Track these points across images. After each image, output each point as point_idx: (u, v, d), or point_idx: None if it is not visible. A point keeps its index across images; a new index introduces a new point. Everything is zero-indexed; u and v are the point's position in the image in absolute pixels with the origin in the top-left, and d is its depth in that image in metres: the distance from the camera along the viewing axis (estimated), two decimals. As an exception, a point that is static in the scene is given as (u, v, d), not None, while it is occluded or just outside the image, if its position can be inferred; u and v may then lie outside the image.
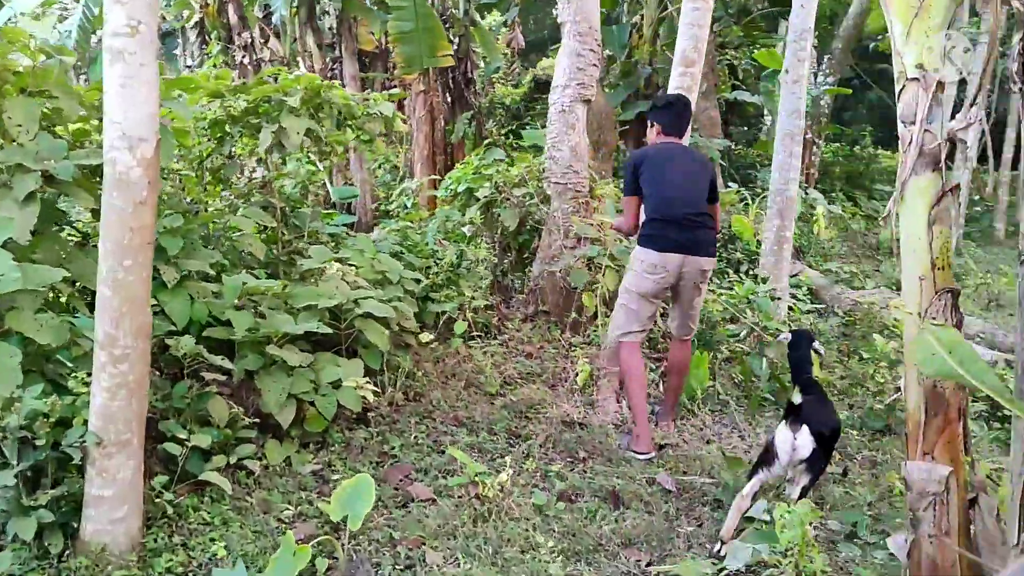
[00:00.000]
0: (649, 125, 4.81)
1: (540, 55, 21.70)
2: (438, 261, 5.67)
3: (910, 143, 2.19)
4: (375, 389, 4.21)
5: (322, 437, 4.15)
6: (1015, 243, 13.84)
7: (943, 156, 2.12)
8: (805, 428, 3.42)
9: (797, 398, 3.47)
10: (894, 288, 8.52)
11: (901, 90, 2.24)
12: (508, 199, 6.27)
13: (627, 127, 10.89)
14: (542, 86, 18.94)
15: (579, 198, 6.04)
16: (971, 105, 2.11)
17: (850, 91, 12.54)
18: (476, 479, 3.70)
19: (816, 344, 4.19)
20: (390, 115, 5.30)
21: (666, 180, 4.46)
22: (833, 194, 12.38)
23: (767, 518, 3.67)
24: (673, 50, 11.01)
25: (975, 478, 2.29)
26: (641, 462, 4.29)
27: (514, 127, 18.57)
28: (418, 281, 5.23)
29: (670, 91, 5.13)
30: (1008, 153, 14.15)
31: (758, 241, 7.81)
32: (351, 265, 4.99)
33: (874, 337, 5.96)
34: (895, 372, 5.78)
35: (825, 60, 13.96)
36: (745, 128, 17.56)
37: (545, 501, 3.70)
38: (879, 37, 15.30)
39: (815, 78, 14.17)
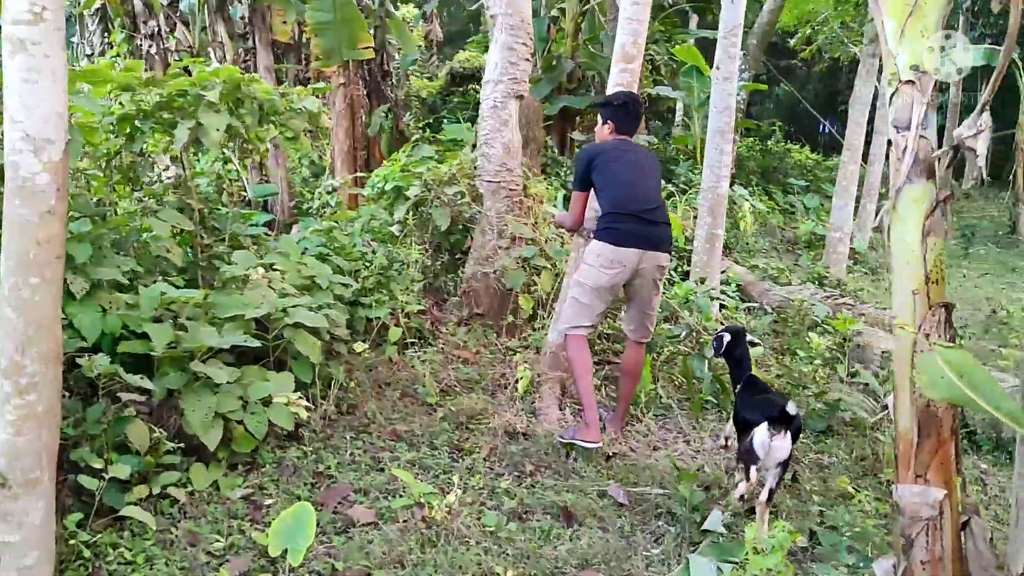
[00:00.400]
0: (601, 122, 4.66)
1: (456, 48, 21.46)
2: (368, 264, 5.39)
3: (905, 150, 2.08)
4: (308, 405, 3.95)
5: (252, 458, 3.86)
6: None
7: (948, 164, 2.01)
8: (787, 432, 3.49)
9: (792, 408, 3.50)
10: (817, 283, 8.62)
11: (893, 93, 2.12)
12: (439, 198, 6.04)
13: (550, 122, 10.75)
14: (459, 79, 18.76)
15: (513, 196, 5.86)
16: (980, 111, 2.01)
17: (766, 86, 12.71)
18: (422, 500, 3.49)
19: (749, 336, 4.32)
20: (315, 110, 5.00)
21: (624, 175, 4.37)
22: (749, 189, 12.53)
23: (723, 531, 3.61)
24: (596, 44, 11.02)
25: (967, 500, 2.20)
26: (589, 450, 4.20)
27: (431, 121, 18.33)
28: (347, 286, 4.96)
29: (610, 88, 4.98)
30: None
31: (687, 238, 7.79)
32: (276, 270, 4.70)
33: (809, 335, 5.98)
34: (829, 371, 5.81)
35: (740, 56, 14.13)
36: (660, 123, 17.73)
37: (496, 522, 3.51)
38: (796, 33, 15.60)
39: (732, 74, 14.34)
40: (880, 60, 9.65)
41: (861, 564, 2.94)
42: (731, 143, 6.69)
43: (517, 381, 4.92)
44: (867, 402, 5.04)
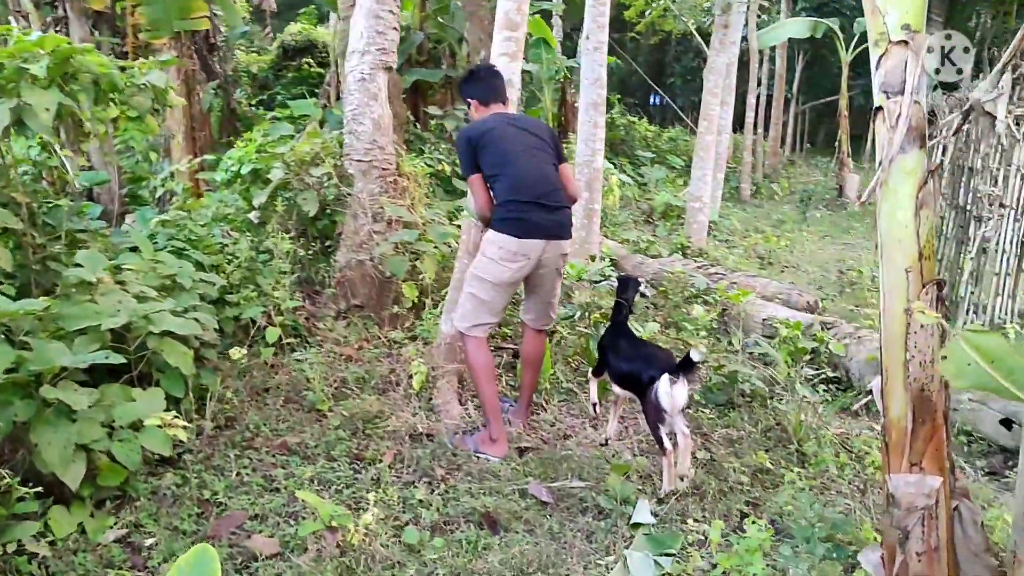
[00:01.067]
0: (467, 105, 4.29)
1: (286, 20, 20.40)
2: (231, 257, 4.85)
3: (898, 117, 1.90)
4: (186, 424, 3.43)
5: (121, 491, 3.32)
6: (760, 201, 14.96)
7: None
8: (683, 379, 3.63)
9: (697, 356, 3.58)
10: (681, 254, 8.70)
11: (882, 56, 1.93)
12: (302, 180, 5.53)
13: (403, 96, 10.28)
14: (291, 53, 17.85)
15: (386, 176, 5.44)
16: (1001, 72, 1.86)
17: (613, 59, 12.74)
18: (333, 523, 3.09)
19: (642, 287, 4.40)
20: (163, 86, 4.39)
21: (516, 156, 3.95)
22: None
23: (653, 521, 3.44)
24: (445, 15, 10.61)
25: (956, 484, 2.09)
26: (499, 464, 3.89)
27: (264, 97, 17.37)
28: (212, 283, 4.42)
29: (493, 58, 4.63)
30: (750, 117, 15.19)
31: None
32: (128, 270, 4.10)
33: (693, 307, 5.95)
34: (714, 341, 5.80)
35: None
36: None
37: (418, 538, 3.17)
38: (630, 7, 15.78)
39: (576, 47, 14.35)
40: (731, 30, 9.81)
41: (834, 555, 2.82)
42: (604, 115, 6.54)
43: (411, 377, 4.56)
44: (760, 371, 5.04)
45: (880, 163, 1.95)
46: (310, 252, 5.45)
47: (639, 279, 4.49)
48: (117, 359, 3.31)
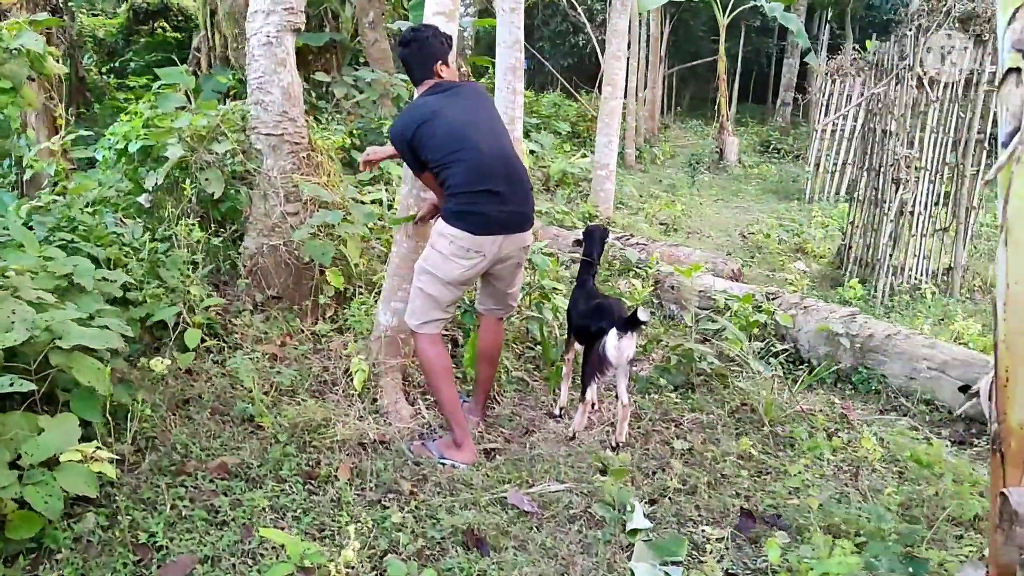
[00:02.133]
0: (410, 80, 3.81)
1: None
2: (132, 249, 4.22)
3: (1040, 77, 1.65)
4: (113, 455, 2.90)
5: (36, 541, 2.76)
6: (644, 166, 14.97)
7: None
8: (632, 333, 3.70)
9: (644, 315, 3.61)
10: (588, 219, 8.47)
11: (1018, 9, 1.67)
12: (201, 158, 4.90)
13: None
14: (143, 16, 16.52)
15: (299, 151, 4.90)
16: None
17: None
18: (307, 563, 2.66)
19: (608, 238, 4.55)
20: (41, 51, 3.72)
21: (469, 137, 3.44)
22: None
23: (650, 525, 3.19)
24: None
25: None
26: (468, 471, 3.53)
27: (115, 64, 16.01)
28: (113, 281, 3.81)
29: (427, 18, 4.15)
30: (632, 82, 15.14)
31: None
32: (15, 271, 3.46)
33: (622, 281, 5.73)
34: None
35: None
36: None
37: (404, 571, 2.78)
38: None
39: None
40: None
41: (911, 569, 2.60)
42: (522, 80, 6.18)
43: (348, 375, 4.11)
44: (712, 347, 4.87)
45: (1005, 135, 1.70)
46: (220, 239, 4.84)
47: (605, 228, 4.50)
48: (26, 386, 2.74)
